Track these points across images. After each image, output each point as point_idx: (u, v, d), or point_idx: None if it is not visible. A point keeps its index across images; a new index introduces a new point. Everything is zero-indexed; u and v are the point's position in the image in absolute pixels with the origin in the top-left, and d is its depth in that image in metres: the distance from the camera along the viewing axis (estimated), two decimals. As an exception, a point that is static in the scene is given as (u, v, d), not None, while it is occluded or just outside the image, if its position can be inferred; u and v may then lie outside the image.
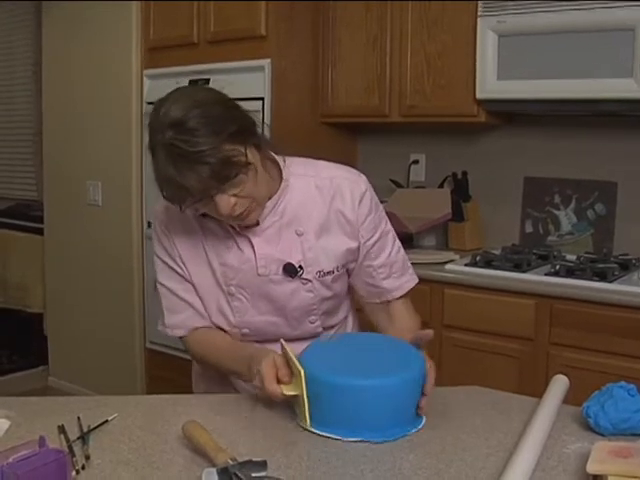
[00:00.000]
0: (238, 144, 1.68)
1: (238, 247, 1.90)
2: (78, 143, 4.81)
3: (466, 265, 3.46)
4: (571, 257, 3.62)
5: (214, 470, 1.33)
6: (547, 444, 1.51)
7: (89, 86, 4.70)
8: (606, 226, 3.74)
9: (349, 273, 2.05)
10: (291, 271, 1.90)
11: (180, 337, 2.06)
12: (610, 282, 3.13)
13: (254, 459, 1.37)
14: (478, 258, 3.53)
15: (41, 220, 5.19)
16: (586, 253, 3.66)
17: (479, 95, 3.55)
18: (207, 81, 4.13)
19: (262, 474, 1.35)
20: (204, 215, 1.85)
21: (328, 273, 1.95)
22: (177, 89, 1.84)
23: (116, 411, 1.67)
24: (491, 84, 3.50)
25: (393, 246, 2.05)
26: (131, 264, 4.63)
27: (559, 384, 1.82)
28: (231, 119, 1.72)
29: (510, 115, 3.88)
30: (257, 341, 1.97)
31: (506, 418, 1.70)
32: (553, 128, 3.85)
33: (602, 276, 3.18)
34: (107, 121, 4.63)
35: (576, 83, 3.26)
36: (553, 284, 3.19)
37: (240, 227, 1.88)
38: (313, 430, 1.59)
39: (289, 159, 1.97)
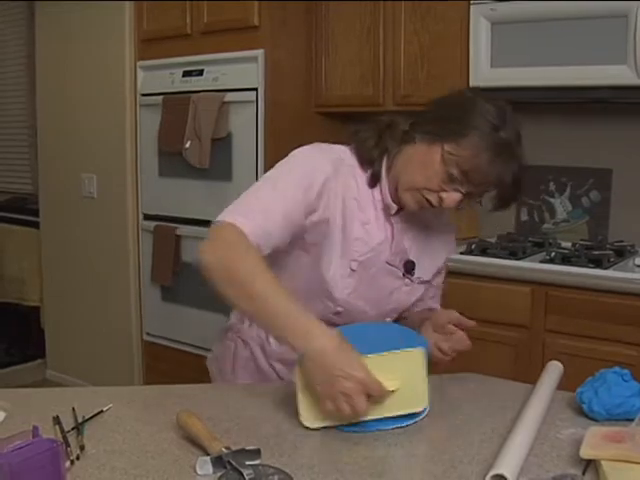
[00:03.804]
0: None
1: (377, 228, 1.88)
2: (73, 136, 4.81)
3: (462, 253, 3.46)
4: (566, 244, 3.62)
5: (208, 458, 1.34)
6: (541, 430, 1.51)
7: (83, 79, 4.69)
8: (601, 213, 3.74)
9: None
10: (409, 269, 1.94)
11: (239, 231, 1.65)
12: (605, 269, 3.13)
13: (248, 447, 1.38)
14: (474, 246, 3.53)
15: (37, 213, 5.19)
16: (581, 240, 3.66)
17: (473, 83, 3.54)
18: (201, 72, 4.13)
19: (256, 462, 1.36)
20: (372, 185, 1.87)
21: (426, 282, 2.01)
22: (503, 103, 1.78)
23: (111, 401, 1.67)
24: (485, 72, 3.50)
25: (444, 276, 2.15)
26: (127, 256, 4.63)
27: (553, 370, 1.83)
28: None
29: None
30: (332, 324, 1.85)
31: (500, 404, 1.71)
32: (547, 115, 3.85)
33: (597, 263, 3.18)
34: (101, 113, 4.62)
35: (569, 70, 3.25)
36: (548, 271, 3.19)
37: (388, 215, 1.89)
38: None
39: None
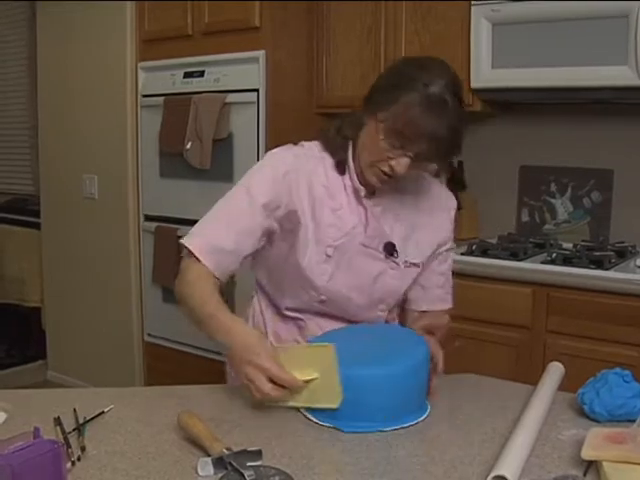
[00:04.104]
0: (460, 143, 1.82)
1: (350, 212, 1.94)
2: (74, 137, 4.80)
3: (462, 254, 3.45)
4: (567, 245, 3.62)
5: (209, 460, 1.34)
6: (542, 431, 1.51)
7: (84, 80, 4.69)
8: (602, 214, 3.74)
9: None
10: (390, 250, 1.95)
11: (188, 254, 1.92)
12: (606, 270, 3.13)
13: (249, 448, 1.38)
14: (474, 247, 3.53)
15: (38, 214, 5.18)
16: (582, 241, 3.66)
17: (474, 84, 3.54)
18: (202, 73, 4.13)
19: (257, 463, 1.36)
20: (341, 172, 1.95)
21: (414, 265, 2.00)
22: (436, 60, 1.85)
23: (112, 402, 1.67)
24: (486, 73, 3.50)
25: (451, 264, 2.15)
26: (128, 257, 4.63)
27: (554, 371, 1.83)
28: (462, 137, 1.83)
29: (505, 104, 3.87)
30: (324, 313, 2.00)
31: (502, 405, 1.71)
32: (548, 116, 3.85)
33: (598, 264, 3.18)
34: (102, 114, 4.62)
35: (570, 71, 3.25)
36: (550, 272, 3.19)
37: (359, 198, 1.94)
38: (312, 419, 1.60)
39: None
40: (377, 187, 1.90)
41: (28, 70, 5.50)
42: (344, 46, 4.05)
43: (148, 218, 4.53)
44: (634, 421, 1.50)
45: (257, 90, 3.93)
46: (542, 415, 1.56)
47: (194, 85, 4.17)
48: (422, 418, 1.62)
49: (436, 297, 2.10)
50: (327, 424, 1.57)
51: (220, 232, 1.93)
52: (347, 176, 1.95)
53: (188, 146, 4.08)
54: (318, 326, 1.99)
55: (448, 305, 2.13)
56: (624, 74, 3.12)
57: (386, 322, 2.09)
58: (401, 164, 1.80)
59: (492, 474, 1.28)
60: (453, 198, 2.11)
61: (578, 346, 3.07)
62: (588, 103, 3.62)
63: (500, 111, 3.92)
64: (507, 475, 1.27)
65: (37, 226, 5.21)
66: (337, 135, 1.97)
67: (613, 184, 3.70)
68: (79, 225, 4.86)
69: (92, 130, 4.69)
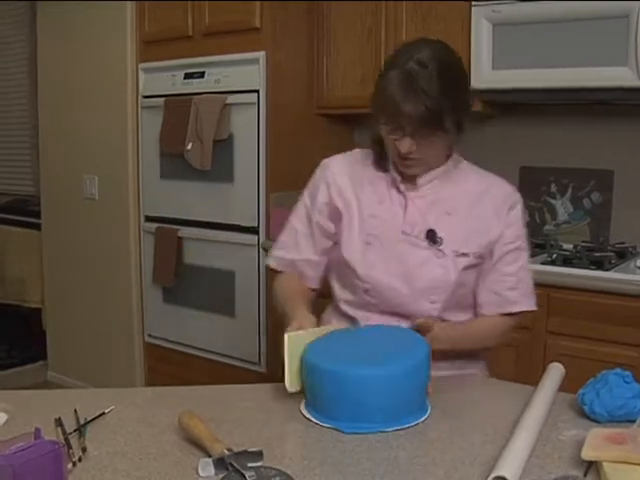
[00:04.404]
0: (453, 111, 1.86)
1: (391, 203, 2.04)
2: (74, 137, 4.81)
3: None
4: (568, 246, 3.62)
5: (210, 460, 1.34)
6: (543, 431, 1.51)
7: (85, 80, 4.69)
8: (603, 215, 3.74)
9: (477, 278, 2.06)
10: (432, 238, 1.98)
11: (272, 269, 2.21)
12: (607, 270, 3.13)
13: (250, 449, 1.38)
14: (475, 248, 3.52)
15: (38, 215, 5.18)
16: (583, 242, 3.66)
17: (474, 85, 3.53)
18: (202, 74, 4.14)
19: (258, 464, 1.36)
20: (379, 167, 2.07)
21: (464, 255, 1.99)
22: (422, 39, 2.00)
23: (113, 403, 1.67)
24: (486, 74, 3.50)
25: (525, 266, 2.09)
26: (129, 257, 4.63)
27: (555, 372, 1.83)
28: (462, 87, 1.95)
29: (506, 105, 3.87)
30: (375, 307, 2.03)
31: (502, 406, 1.71)
32: (549, 117, 3.85)
33: (599, 265, 3.18)
34: (103, 115, 4.63)
35: (571, 72, 3.25)
36: (550, 273, 3.19)
37: (398, 187, 2.03)
38: (313, 420, 1.60)
39: (459, 157, 2.12)
40: (409, 172, 1.99)
41: (29, 71, 5.50)
42: (344, 47, 4.06)
43: (148, 219, 4.53)
44: (634, 421, 1.50)
45: (257, 91, 3.93)
46: (542, 416, 1.56)
47: (194, 86, 4.17)
48: (423, 419, 1.62)
49: (508, 299, 2.05)
50: (328, 425, 1.57)
51: (287, 243, 2.19)
52: (389, 170, 2.05)
53: (189, 147, 4.08)
54: (372, 322, 2.01)
55: (520, 307, 2.08)
56: (624, 75, 3.12)
57: None
58: (403, 144, 1.89)
59: (492, 475, 1.28)
60: (513, 194, 2.07)
61: (578, 346, 3.07)
62: (588, 104, 3.62)
63: (500, 112, 3.92)
64: (507, 476, 1.27)
65: (37, 227, 5.21)
66: (375, 134, 2.05)
67: (613, 185, 3.70)
68: (79, 226, 4.86)
69: (92, 131, 4.69)
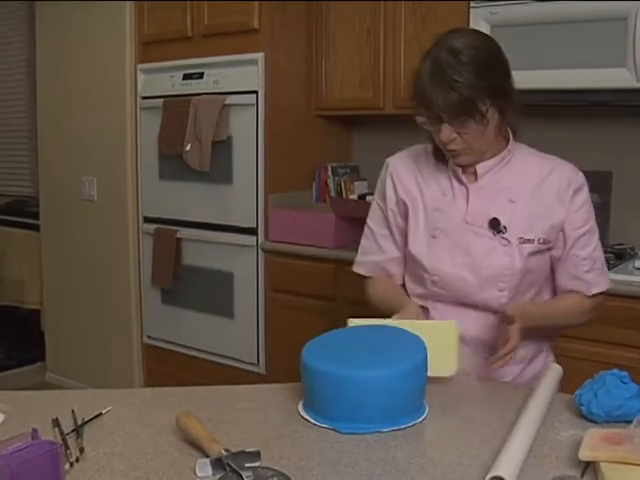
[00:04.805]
0: (488, 97, 1.88)
1: (454, 195, 2.07)
2: (73, 139, 4.81)
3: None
4: (566, 247, 3.61)
5: (207, 461, 1.34)
6: (540, 431, 1.51)
7: (83, 82, 4.70)
8: (601, 216, 3.70)
9: (553, 265, 2.09)
10: (496, 226, 2.00)
11: (362, 275, 2.27)
12: (605, 272, 3.13)
13: (247, 449, 1.38)
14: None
15: (37, 216, 5.19)
16: (581, 243, 3.65)
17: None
18: (201, 75, 4.14)
19: (255, 464, 1.36)
20: (438, 159, 2.10)
21: (528, 241, 2.01)
22: (462, 28, 2.15)
23: (110, 404, 1.67)
24: (485, 75, 3.50)
25: (597, 245, 2.13)
26: (127, 259, 4.63)
27: (553, 373, 1.83)
28: (497, 74, 1.94)
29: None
30: (445, 298, 2.07)
31: (500, 406, 1.71)
32: (547, 118, 3.84)
33: (597, 266, 3.18)
34: (102, 116, 4.63)
35: (569, 73, 3.25)
36: (548, 274, 3.19)
37: (459, 178, 2.06)
38: (311, 420, 1.60)
39: (518, 143, 2.13)
40: (459, 162, 2.02)
41: (27, 72, 5.50)
42: (343, 48, 4.06)
43: (147, 220, 4.53)
44: (631, 422, 1.50)
45: (256, 92, 3.94)
46: (540, 416, 1.56)
47: (193, 87, 4.17)
48: (420, 419, 1.62)
49: (588, 282, 2.09)
50: (325, 425, 1.57)
51: (368, 246, 2.27)
52: (449, 162, 2.08)
53: (187, 148, 4.08)
54: (439, 313, 2.07)
55: (599, 288, 2.12)
56: (622, 76, 3.12)
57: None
58: (443, 133, 1.92)
59: (490, 474, 1.28)
60: (577, 176, 2.08)
61: (576, 348, 3.06)
62: (586, 105, 3.62)
63: (499, 113, 3.91)
64: (504, 476, 1.27)
65: (36, 228, 5.21)
66: None
67: (612, 186, 3.69)
68: (78, 227, 4.86)
69: (91, 132, 4.69)
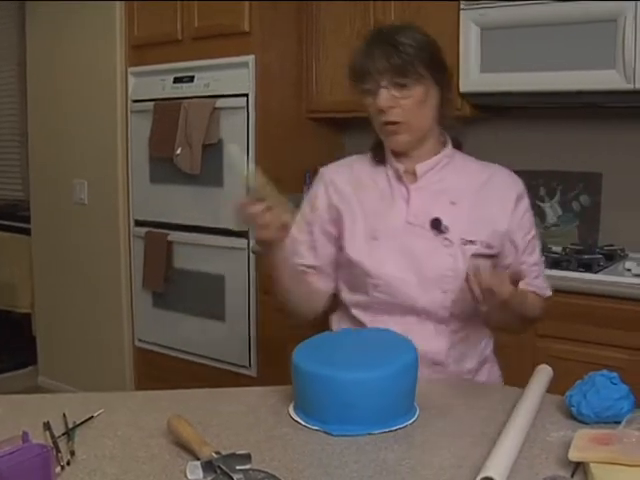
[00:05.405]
0: (427, 67, 1.93)
1: (393, 197, 2.06)
2: (64, 142, 4.80)
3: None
4: (557, 249, 3.63)
5: (198, 463, 1.34)
6: (530, 433, 1.52)
7: (74, 85, 4.69)
8: (591, 217, 3.75)
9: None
10: (438, 226, 1.99)
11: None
12: (595, 273, 3.14)
13: (238, 452, 1.38)
14: (464, 251, 3.53)
15: (28, 220, 5.18)
16: (571, 244, 3.67)
17: (463, 88, 3.55)
18: (192, 78, 4.14)
19: (246, 467, 1.36)
20: (377, 160, 2.11)
21: (471, 242, 2.00)
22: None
23: (101, 407, 1.67)
24: (474, 77, 3.51)
25: (540, 252, 2.16)
26: (118, 262, 4.62)
27: (543, 374, 1.84)
28: (435, 51, 1.99)
29: (494, 108, 3.88)
30: (387, 305, 2.02)
31: (490, 408, 1.71)
32: (537, 120, 3.86)
33: (587, 267, 3.19)
34: (92, 119, 4.62)
35: (559, 75, 3.26)
36: (539, 276, 3.20)
37: (400, 177, 2.05)
38: (301, 422, 1.61)
39: (457, 150, 2.15)
40: (396, 143, 2.02)
41: (18, 75, 5.49)
42: (334, 51, 4.06)
43: (138, 223, 4.53)
44: (621, 422, 1.51)
45: (247, 95, 3.93)
46: (530, 417, 1.57)
47: (184, 90, 4.17)
48: (411, 421, 1.62)
49: (539, 287, 2.11)
50: (316, 427, 1.57)
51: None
52: (387, 165, 2.09)
53: (178, 151, 4.08)
54: (382, 326, 1.99)
55: (548, 292, 2.15)
56: (612, 78, 3.13)
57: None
58: (381, 97, 1.94)
59: (480, 475, 1.29)
60: (518, 183, 2.12)
61: (566, 349, 3.07)
62: (576, 107, 3.63)
63: (489, 115, 3.92)
64: (495, 476, 1.27)
65: (27, 232, 5.20)
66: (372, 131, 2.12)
67: (602, 188, 3.71)
68: (69, 230, 4.85)
69: (82, 135, 4.69)
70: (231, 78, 3.99)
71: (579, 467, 1.35)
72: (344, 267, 2.10)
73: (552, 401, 1.72)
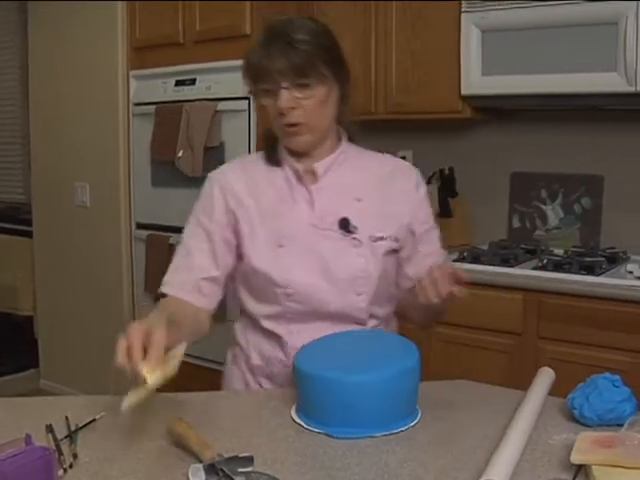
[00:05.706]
0: (325, 62, 1.87)
1: (293, 199, 1.97)
2: (65, 145, 4.81)
3: (454, 261, 3.46)
4: (558, 251, 3.63)
5: (200, 466, 1.34)
6: (532, 435, 1.52)
7: (76, 88, 4.70)
8: (593, 220, 3.75)
9: (401, 264, 2.03)
10: (346, 226, 1.92)
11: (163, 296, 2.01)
12: (597, 276, 3.14)
13: (240, 454, 1.38)
14: (466, 254, 3.54)
15: (30, 223, 5.18)
16: (573, 247, 3.67)
17: (464, 91, 3.56)
18: (193, 81, 4.14)
19: (249, 469, 1.36)
20: (272, 162, 2.02)
21: (380, 239, 1.94)
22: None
23: (103, 410, 1.67)
24: (476, 80, 3.51)
25: (438, 243, 2.10)
26: (120, 265, 4.62)
27: (545, 376, 1.84)
28: (331, 41, 1.97)
29: (495, 111, 3.88)
30: (301, 314, 1.93)
31: (492, 411, 1.71)
32: (538, 123, 3.86)
33: (589, 270, 3.19)
34: (94, 122, 4.63)
35: (560, 78, 3.27)
36: (541, 278, 3.20)
37: (300, 178, 1.97)
38: (303, 425, 1.61)
39: (350, 143, 2.08)
40: (297, 143, 1.94)
41: (20, 78, 5.50)
42: (335, 53, 4.05)
43: (140, 226, 4.53)
44: (623, 425, 1.51)
45: (248, 98, 3.93)
46: (533, 420, 1.57)
47: (186, 93, 4.17)
48: (413, 424, 1.62)
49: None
50: (318, 430, 1.57)
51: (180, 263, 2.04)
52: (284, 166, 2.00)
53: (180, 154, 4.08)
54: (298, 336, 1.90)
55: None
56: (613, 80, 3.13)
57: (376, 317, 2.01)
58: (282, 99, 1.85)
59: (482, 478, 1.29)
60: (415, 172, 2.07)
61: (569, 351, 3.08)
62: (578, 110, 3.64)
63: (490, 118, 3.93)
64: (497, 479, 1.27)
65: (29, 235, 5.20)
66: (267, 134, 2.06)
67: (603, 190, 3.71)
68: (71, 233, 4.85)
69: (84, 138, 4.69)
70: (233, 81, 3.98)
71: (581, 470, 1.35)
72: (247, 277, 2.00)
73: (554, 404, 1.71)
